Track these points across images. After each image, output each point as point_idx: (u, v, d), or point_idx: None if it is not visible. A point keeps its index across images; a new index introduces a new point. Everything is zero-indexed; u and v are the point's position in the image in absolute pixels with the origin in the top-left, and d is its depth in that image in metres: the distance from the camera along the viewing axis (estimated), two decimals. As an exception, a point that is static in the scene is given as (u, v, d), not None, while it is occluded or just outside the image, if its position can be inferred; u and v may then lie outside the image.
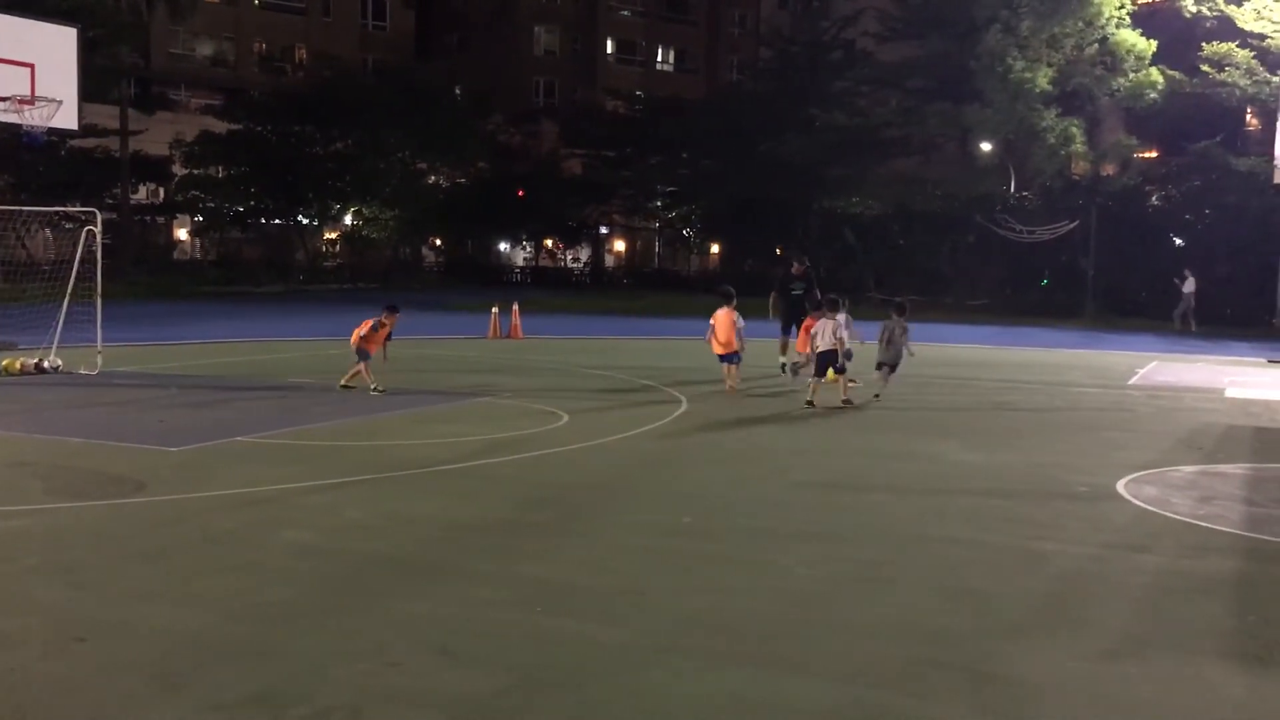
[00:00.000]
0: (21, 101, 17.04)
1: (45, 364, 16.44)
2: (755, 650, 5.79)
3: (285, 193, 50.27)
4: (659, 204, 56.35)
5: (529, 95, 68.19)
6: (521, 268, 60.49)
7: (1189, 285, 32.93)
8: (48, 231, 23.57)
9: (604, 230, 60.99)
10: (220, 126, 49.90)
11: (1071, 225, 37.21)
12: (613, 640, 5.90)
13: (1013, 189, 41.84)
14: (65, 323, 16.86)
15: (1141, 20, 39.85)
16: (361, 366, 15.01)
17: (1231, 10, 36.76)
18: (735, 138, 47.76)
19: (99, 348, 16.90)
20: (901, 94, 45.98)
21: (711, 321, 16.01)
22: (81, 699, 5.00)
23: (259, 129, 49.97)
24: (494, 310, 25.38)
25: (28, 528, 7.94)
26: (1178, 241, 38.18)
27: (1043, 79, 38.70)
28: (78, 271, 16.88)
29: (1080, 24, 39.14)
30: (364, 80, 54.19)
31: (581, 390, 16.26)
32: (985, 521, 8.78)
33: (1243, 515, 9.17)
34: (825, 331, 14.88)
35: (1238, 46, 36.54)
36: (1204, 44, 37.51)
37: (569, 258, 61.89)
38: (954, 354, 23.41)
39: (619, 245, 65.34)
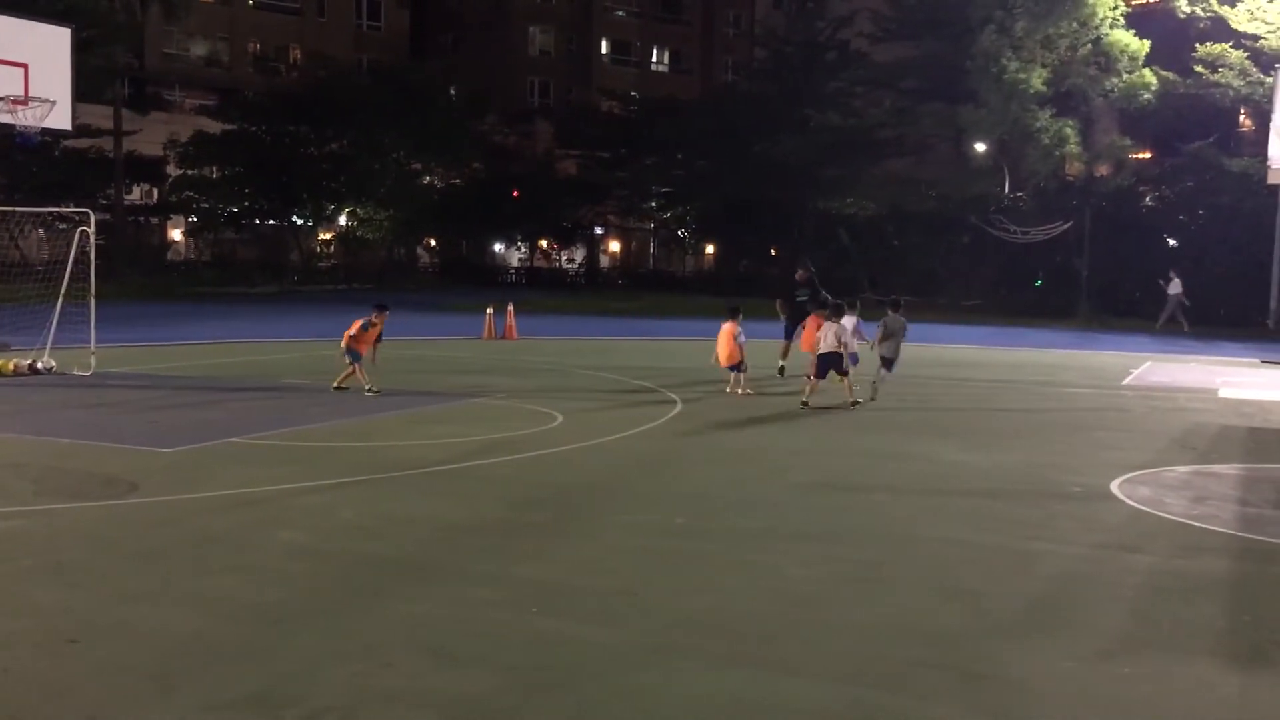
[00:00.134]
0: (15, 102, 17.01)
1: (39, 365, 16.40)
2: (751, 651, 5.79)
3: (280, 193, 50.19)
4: (654, 204, 56.33)
5: (524, 95, 68.16)
6: (516, 268, 60.46)
7: (1174, 287, 32.99)
8: (41, 232, 23.51)
9: (599, 231, 60.98)
10: (214, 127, 49.81)
11: (1065, 226, 37.26)
12: (608, 641, 5.90)
13: (1007, 190, 41.90)
14: (59, 324, 16.83)
15: (1135, 21, 39.92)
16: (355, 367, 14.99)
17: (1225, 11, 36.83)
18: (730, 138, 47.77)
19: (92, 349, 16.87)
20: (896, 94, 46.02)
21: (718, 337, 16.13)
22: (75, 700, 4.99)
23: (253, 129, 49.89)
24: (489, 311, 25.36)
25: (21, 529, 7.93)
26: (1171, 242, 38.25)
27: (1037, 80, 38.76)
28: (71, 272, 16.83)
29: (1074, 24, 39.20)
30: (359, 80, 54.10)
31: (576, 391, 16.26)
32: (980, 522, 8.79)
33: (1236, 515, 9.19)
34: (828, 335, 14.92)
35: (1231, 47, 36.62)
36: (1198, 45, 37.59)
37: (564, 258, 61.87)
38: (948, 354, 23.44)
39: (614, 246, 65.32)
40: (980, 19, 39.20)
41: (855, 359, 15.59)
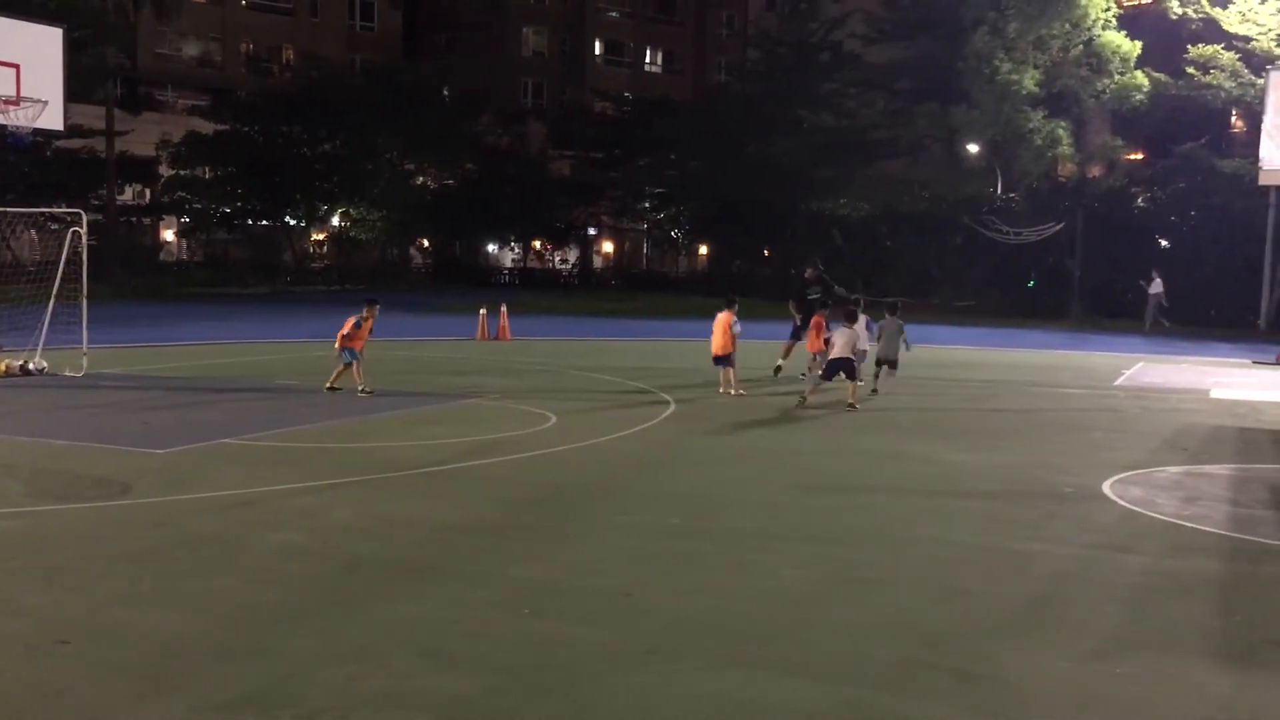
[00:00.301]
0: (7, 102, 16.96)
1: (30, 366, 16.36)
2: (747, 651, 5.80)
3: (272, 194, 50.08)
4: (647, 205, 56.32)
5: (517, 96, 68.09)
6: (510, 269, 60.41)
7: (1156, 286, 33.06)
8: (33, 233, 23.44)
9: (592, 231, 60.93)
10: (207, 127, 49.69)
11: (1058, 227, 37.33)
12: (602, 642, 5.90)
13: (999, 190, 41.96)
14: (50, 324, 16.77)
15: (1127, 22, 39.99)
16: (354, 366, 14.97)
17: (1217, 13, 36.92)
18: (723, 139, 47.78)
19: (85, 349, 16.82)
20: (889, 95, 46.07)
21: (713, 325, 16.07)
22: (66, 702, 4.98)
23: (246, 130, 49.79)
24: (482, 311, 25.35)
25: (12, 530, 7.90)
26: (1163, 243, 38.33)
27: (1029, 81, 38.83)
28: (63, 273, 16.79)
29: (1066, 26, 39.27)
30: (351, 81, 54.00)
31: (570, 391, 16.26)
32: (973, 522, 8.81)
33: (1227, 515, 9.22)
34: (844, 341, 14.89)
35: (1223, 49, 36.71)
36: (1189, 46, 37.68)
37: (557, 259, 61.83)
38: (941, 355, 23.46)
39: (607, 246, 65.28)
40: (973, 20, 39.25)
41: (863, 357, 15.74)
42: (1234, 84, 36.70)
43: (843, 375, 14.96)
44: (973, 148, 42.24)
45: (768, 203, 45.23)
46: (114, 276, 39.04)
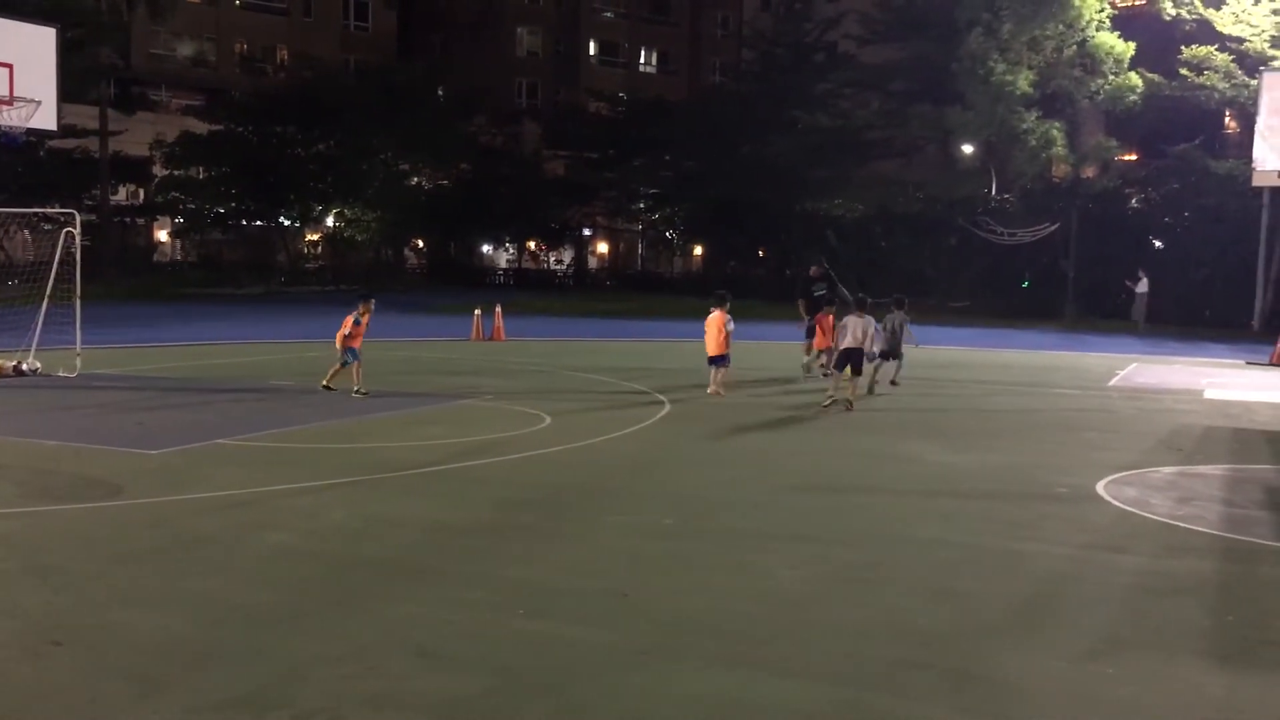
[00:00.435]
0: (0, 102, 16.91)
1: (23, 366, 16.32)
2: (742, 651, 5.80)
3: (266, 194, 49.98)
4: (642, 206, 56.32)
5: (512, 96, 68.06)
6: (504, 269, 60.36)
7: (1142, 285, 33.10)
8: (26, 233, 23.40)
9: (587, 232, 60.89)
10: (201, 127, 49.59)
11: (1052, 227, 37.38)
12: (596, 642, 5.90)
13: (994, 191, 42.02)
14: (44, 325, 16.74)
15: (1121, 23, 40.04)
16: (354, 366, 14.95)
17: (1210, 14, 36.99)
18: (718, 139, 47.80)
19: (78, 350, 16.79)
20: (883, 96, 46.11)
21: (705, 325, 16.04)
22: (59, 703, 4.97)
23: (240, 130, 49.69)
24: (476, 312, 25.33)
25: (5, 531, 7.88)
26: (1157, 244, 38.40)
27: (1023, 82, 38.89)
28: (56, 273, 16.75)
29: (1060, 27, 39.32)
30: (346, 81, 53.92)
31: (565, 392, 16.25)
32: (967, 522, 8.81)
33: (1221, 516, 9.23)
34: (855, 330, 14.91)
35: (1216, 50, 36.76)
36: (1183, 47, 37.74)
37: (552, 259, 61.81)
38: (936, 355, 23.46)
39: (602, 247, 65.25)
40: (967, 21, 39.30)
41: (871, 357, 15.84)
42: (1227, 85, 36.77)
43: (850, 369, 14.96)
44: (967, 148, 42.29)
45: (762, 203, 45.25)
46: (107, 277, 38.97)
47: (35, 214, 21.79)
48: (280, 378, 17.02)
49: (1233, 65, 36.49)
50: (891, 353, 16.91)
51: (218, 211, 50.92)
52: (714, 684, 5.36)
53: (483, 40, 68.89)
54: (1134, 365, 22.70)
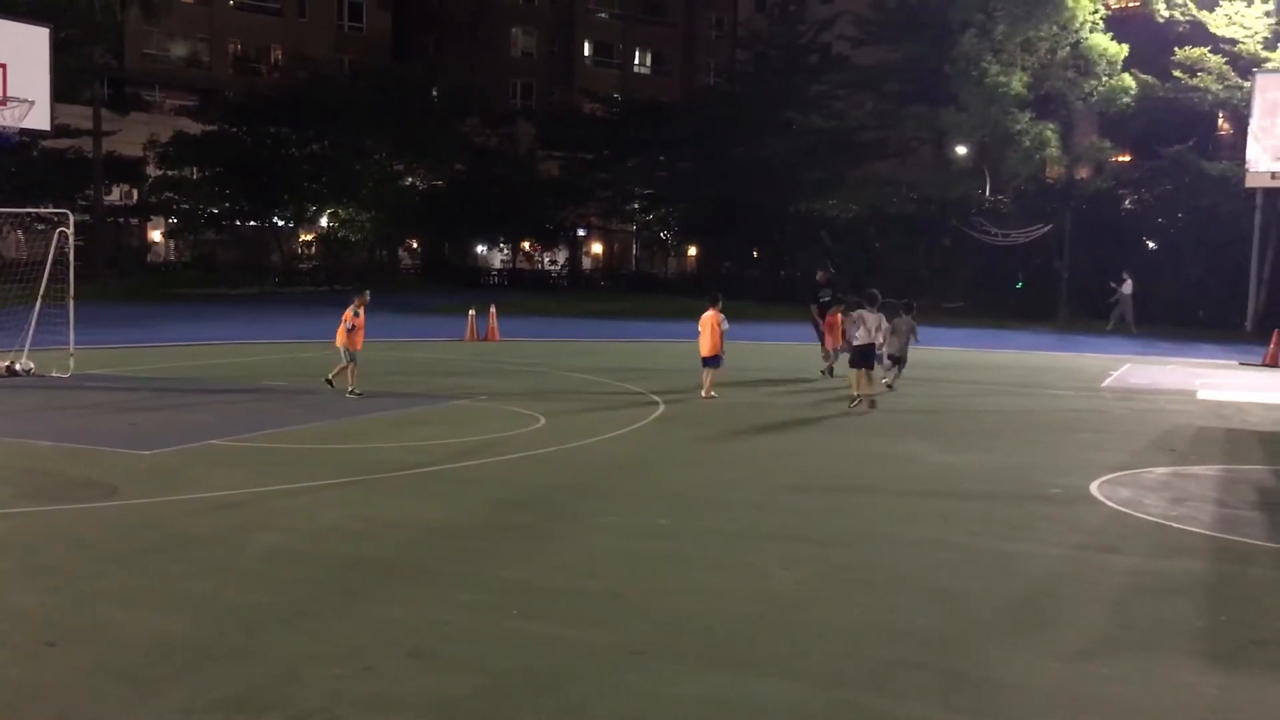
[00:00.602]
0: (-7, 102, 16.89)
1: (17, 367, 16.29)
2: (733, 652, 5.80)
3: (261, 194, 49.90)
4: (636, 206, 56.32)
5: (506, 97, 67.99)
6: (499, 270, 60.33)
7: (1127, 287, 33.17)
8: (19, 233, 23.36)
9: (581, 232, 60.89)
10: (195, 127, 49.49)
11: (1046, 228, 37.42)
12: (591, 643, 5.91)
13: (988, 192, 42.06)
14: (37, 325, 16.70)
15: (1114, 25, 40.10)
16: (350, 367, 14.92)
17: (1203, 16, 37.07)
18: (712, 140, 47.81)
19: (71, 350, 16.76)
20: (878, 97, 46.13)
21: (699, 326, 16.00)
22: (53, 703, 4.96)
23: (234, 130, 49.61)
24: (471, 313, 25.32)
25: (-1, 532, 7.87)
26: (1150, 245, 38.47)
27: (1017, 83, 38.94)
28: (50, 273, 16.72)
29: (1054, 28, 39.37)
30: (340, 81, 53.85)
31: (559, 392, 16.25)
32: (961, 523, 8.83)
33: (1214, 516, 9.26)
34: (870, 325, 15.03)
35: (1209, 52, 36.83)
36: (1176, 49, 37.81)
37: (546, 260, 61.79)
38: (930, 356, 23.49)
39: (596, 248, 65.23)
40: (961, 22, 39.34)
41: (879, 358, 16.02)
42: (1220, 87, 36.85)
43: (863, 366, 15.09)
44: (961, 149, 42.34)
45: (757, 204, 45.28)
46: (101, 277, 38.89)
47: (29, 214, 21.74)
48: (274, 378, 17.00)
49: (1226, 67, 36.56)
50: (899, 357, 17.13)
51: (211, 212, 50.83)
52: (709, 684, 5.37)
53: (477, 40, 68.85)
54: (1127, 366, 22.75)
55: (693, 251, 58.54)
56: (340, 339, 15.03)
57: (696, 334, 16.20)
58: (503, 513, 8.81)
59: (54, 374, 16.28)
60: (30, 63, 17.55)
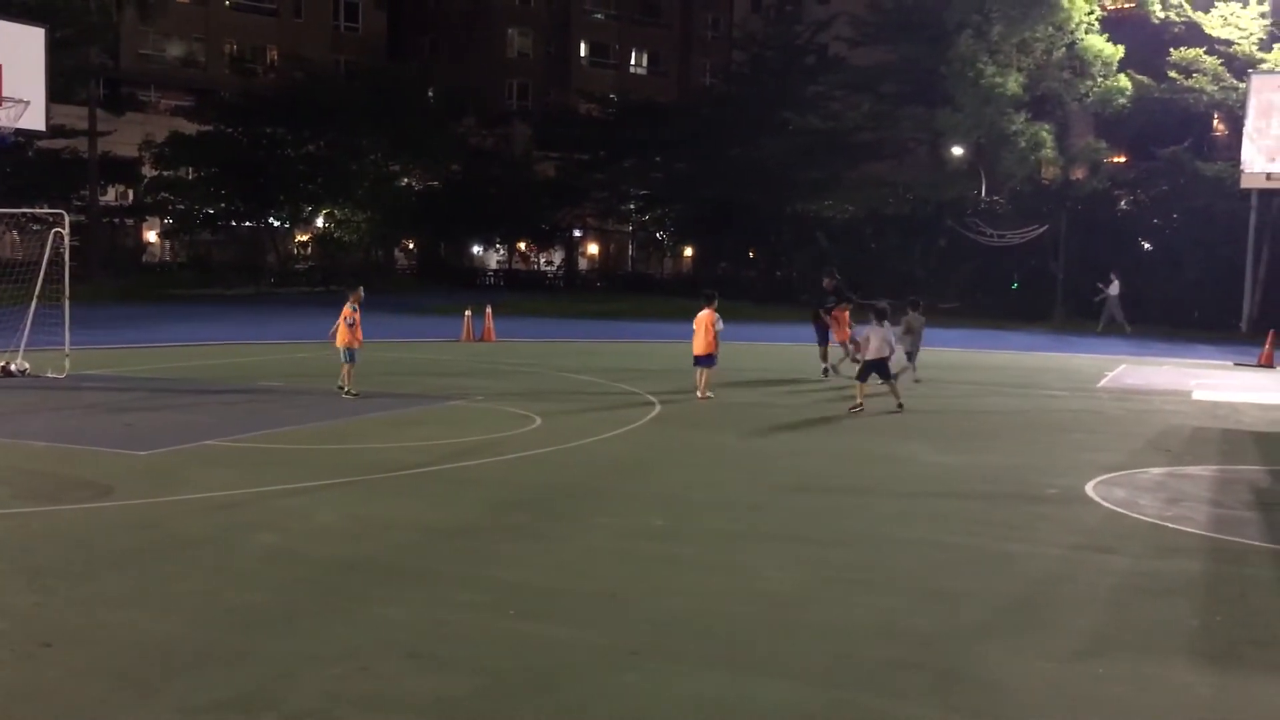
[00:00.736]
0: (-12, 102, 16.86)
1: (12, 367, 16.26)
2: (729, 652, 5.81)
3: (256, 195, 49.86)
4: (632, 207, 56.32)
5: (502, 97, 67.97)
6: (495, 270, 60.31)
7: (1114, 288, 33.22)
8: (15, 233, 23.30)
9: (577, 233, 60.88)
10: (190, 128, 49.42)
11: (1041, 229, 37.47)
12: (586, 643, 5.90)
13: (983, 193, 42.09)
14: (32, 326, 16.67)
15: (1110, 26, 40.16)
16: (347, 368, 14.89)
17: (1199, 17, 37.14)
18: (708, 141, 47.81)
19: (67, 351, 16.73)
20: (874, 98, 46.14)
21: (694, 324, 15.97)
22: (49, 704, 4.95)
23: (230, 130, 49.55)
24: (467, 313, 25.31)
25: (-5, 533, 7.86)
26: (1146, 245, 38.52)
27: (1013, 84, 38.99)
28: (45, 274, 16.70)
29: (1050, 29, 39.44)
30: (336, 82, 53.81)
31: (555, 393, 16.24)
32: (957, 523, 8.84)
33: (1209, 517, 9.27)
34: (878, 340, 15.06)
35: (1205, 53, 36.92)
36: (1171, 50, 37.89)
37: (542, 260, 61.77)
38: (926, 357, 23.43)
39: (592, 248, 65.22)
40: (956, 23, 39.39)
41: (899, 362, 16.26)
42: (1216, 88, 36.92)
43: (877, 377, 15.13)
44: (957, 150, 42.38)
45: (753, 205, 45.29)
46: (96, 278, 38.81)
47: (24, 214, 21.69)
48: (270, 378, 16.99)
49: (1221, 68, 36.64)
50: (910, 350, 17.54)
51: (207, 212, 50.79)
52: (703, 684, 5.37)
53: (473, 41, 68.84)
54: (1123, 366, 22.78)
55: (689, 252, 58.56)
56: (343, 338, 14.94)
57: (692, 334, 16.19)
58: (499, 513, 8.81)
59: (49, 374, 16.26)
60: (26, 63, 17.52)
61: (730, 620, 6.31)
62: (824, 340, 19.30)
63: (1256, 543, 8.42)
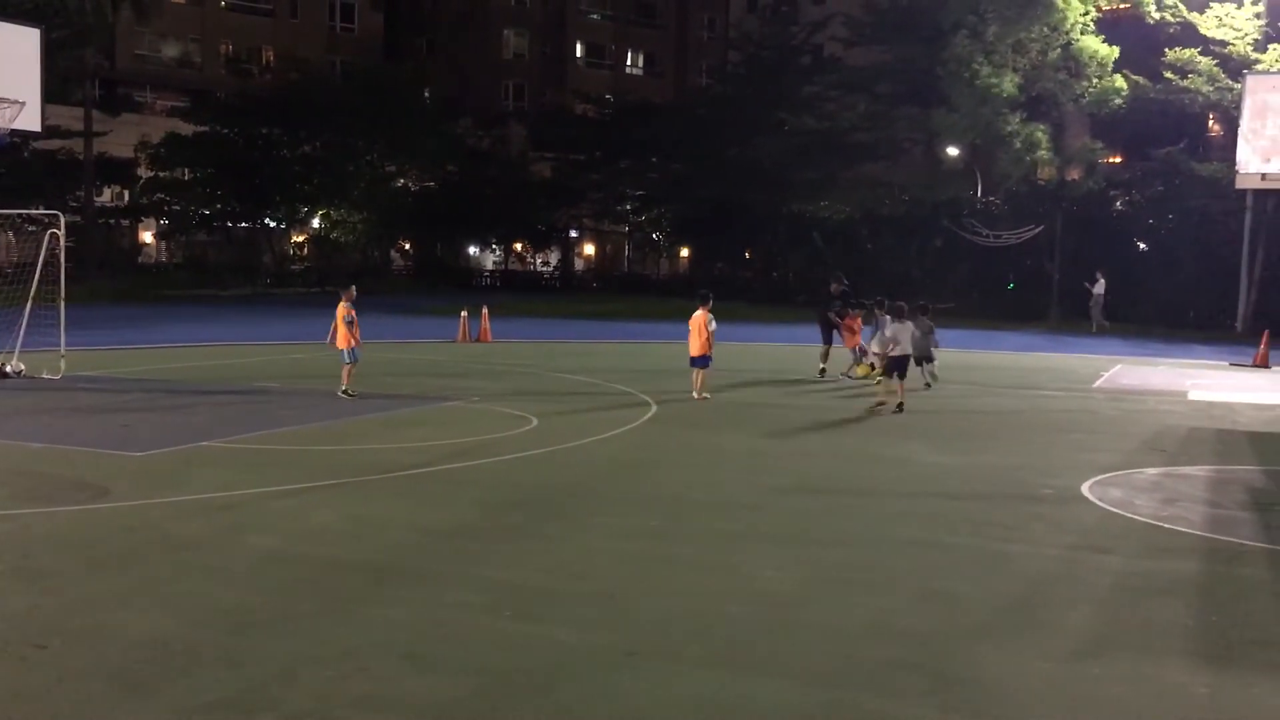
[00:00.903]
0: (-16, 103, 16.83)
1: (7, 368, 16.23)
2: (726, 653, 5.81)
3: (252, 195, 49.82)
4: (628, 207, 56.33)
5: (498, 98, 67.97)
6: (491, 271, 60.30)
7: (1099, 286, 33.26)
8: (10, 234, 23.28)
9: (573, 234, 60.88)
10: (186, 128, 49.39)
11: (1037, 230, 37.51)
12: (583, 644, 5.90)
13: (979, 193, 42.15)
14: (28, 327, 16.65)
15: (1105, 27, 40.22)
16: (346, 368, 14.87)
17: (1194, 17, 37.21)
18: (704, 141, 47.84)
19: (62, 352, 16.71)
20: (869, 99, 46.20)
21: (689, 325, 15.98)
22: (44, 705, 4.95)
23: (225, 131, 49.51)
24: (463, 314, 25.30)
25: (-10, 534, 7.84)
26: (1141, 245, 38.58)
27: (1008, 84, 39.04)
28: (40, 275, 16.67)
29: (1045, 30, 39.48)
30: (332, 82, 53.77)
31: (551, 394, 16.24)
32: (953, 523, 8.84)
33: (1204, 517, 9.29)
34: (904, 336, 15.28)
35: (1200, 53, 36.99)
36: (1167, 50, 37.95)
37: (538, 261, 61.77)
38: (922, 357, 23.55)
39: (588, 249, 65.25)
40: (952, 24, 39.43)
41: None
42: (1211, 88, 36.98)
43: (897, 374, 15.25)
44: (952, 151, 42.43)
45: (749, 205, 45.33)
46: (92, 279, 38.77)
47: (19, 215, 21.66)
48: (265, 379, 16.97)
49: (1216, 69, 36.70)
50: (921, 355, 17.45)
51: (203, 213, 50.75)
52: (700, 685, 5.37)
53: (469, 42, 68.80)
54: (1118, 367, 22.80)
55: (685, 253, 58.57)
56: (343, 339, 14.91)
57: (687, 334, 16.20)
58: (496, 514, 8.81)
59: (45, 375, 16.23)
60: (21, 63, 17.50)
61: (728, 620, 6.31)
62: (829, 341, 19.27)
63: (1252, 543, 8.43)
